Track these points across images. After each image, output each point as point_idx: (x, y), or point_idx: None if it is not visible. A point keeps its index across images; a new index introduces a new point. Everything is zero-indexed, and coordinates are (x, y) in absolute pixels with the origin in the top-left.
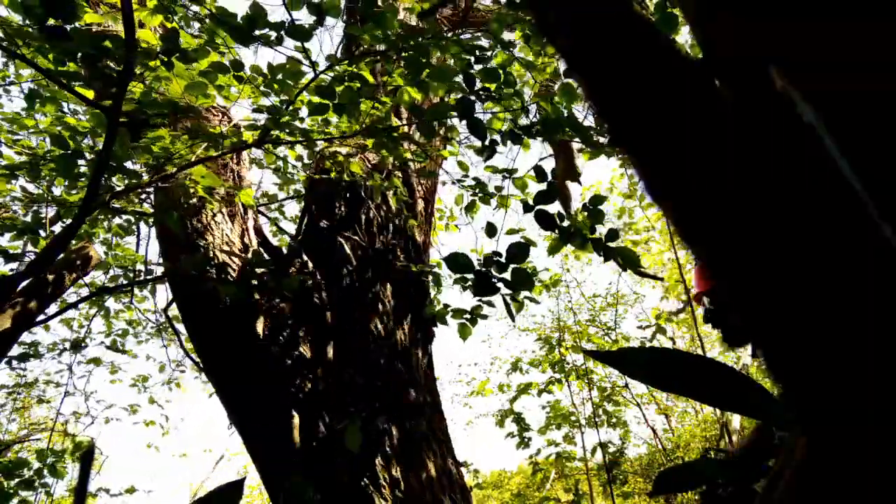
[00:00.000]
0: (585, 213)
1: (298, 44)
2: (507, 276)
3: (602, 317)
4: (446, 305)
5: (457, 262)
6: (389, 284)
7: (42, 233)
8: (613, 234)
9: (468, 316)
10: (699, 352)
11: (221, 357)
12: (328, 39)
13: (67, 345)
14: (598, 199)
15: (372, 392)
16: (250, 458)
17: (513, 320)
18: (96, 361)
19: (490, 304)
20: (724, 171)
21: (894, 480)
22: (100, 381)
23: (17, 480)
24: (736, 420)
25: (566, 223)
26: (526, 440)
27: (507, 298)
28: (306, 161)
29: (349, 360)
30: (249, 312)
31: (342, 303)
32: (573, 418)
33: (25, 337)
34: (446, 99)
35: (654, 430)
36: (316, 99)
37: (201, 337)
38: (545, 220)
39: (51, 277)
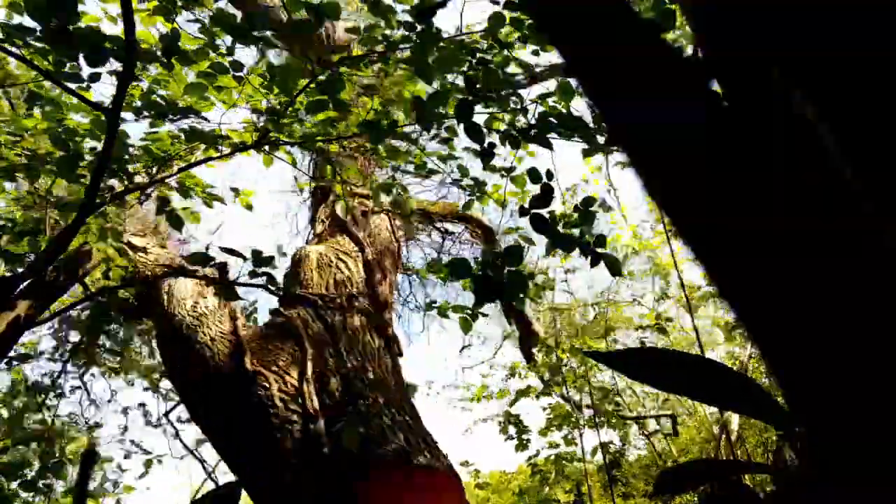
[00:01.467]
0: (576, 215)
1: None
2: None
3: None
4: (447, 301)
5: (457, 267)
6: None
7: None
8: (602, 239)
9: (469, 312)
10: (696, 351)
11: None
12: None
13: (68, 346)
14: (589, 201)
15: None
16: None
17: (509, 323)
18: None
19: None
20: (721, 171)
21: None
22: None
23: (18, 482)
24: (735, 420)
25: (560, 226)
26: (525, 441)
27: (506, 302)
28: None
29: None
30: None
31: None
32: (573, 419)
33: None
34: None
35: (652, 431)
36: (315, 97)
37: (182, 370)
38: (540, 224)
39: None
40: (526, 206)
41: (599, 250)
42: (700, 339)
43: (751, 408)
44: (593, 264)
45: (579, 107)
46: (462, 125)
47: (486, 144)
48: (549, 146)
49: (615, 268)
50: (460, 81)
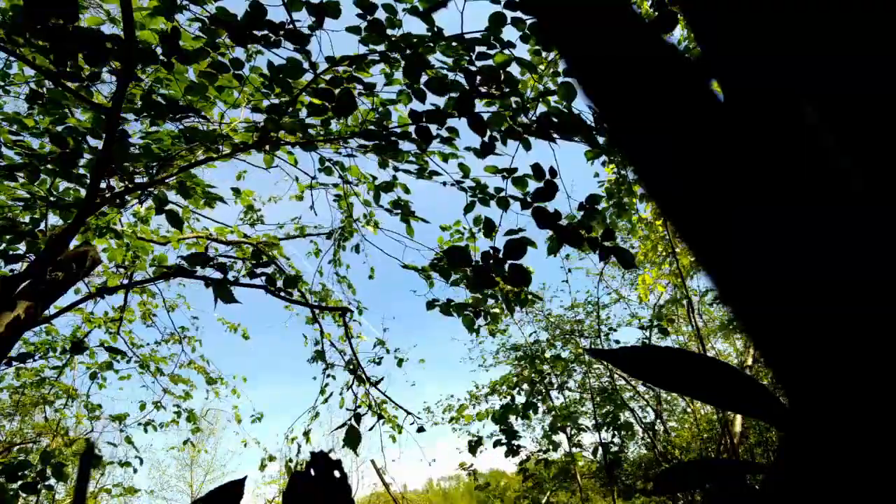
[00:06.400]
0: (581, 213)
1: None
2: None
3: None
4: (449, 300)
5: (454, 255)
6: None
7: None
8: (609, 233)
9: (471, 310)
10: (696, 349)
11: None
12: (327, 40)
13: (68, 345)
14: (594, 199)
15: None
16: None
17: (511, 314)
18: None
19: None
20: (720, 174)
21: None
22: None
23: (19, 483)
24: (738, 421)
25: (564, 221)
26: (515, 447)
27: (507, 293)
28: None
29: None
30: None
31: None
32: (573, 419)
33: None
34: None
35: (654, 430)
36: (318, 101)
37: None
38: (543, 217)
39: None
40: (528, 199)
41: (608, 244)
42: (702, 338)
43: (753, 408)
44: (603, 259)
45: (580, 108)
46: (465, 119)
47: (486, 138)
48: (550, 138)
49: (628, 261)
50: (461, 79)
